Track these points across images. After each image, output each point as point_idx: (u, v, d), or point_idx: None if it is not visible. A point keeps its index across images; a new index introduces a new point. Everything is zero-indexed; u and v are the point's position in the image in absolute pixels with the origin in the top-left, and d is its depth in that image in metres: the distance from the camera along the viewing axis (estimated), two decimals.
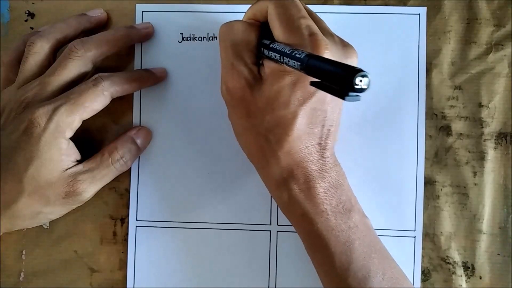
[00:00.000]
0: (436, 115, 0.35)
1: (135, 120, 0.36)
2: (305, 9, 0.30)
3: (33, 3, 0.37)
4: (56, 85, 0.31)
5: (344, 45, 0.30)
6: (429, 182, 0.35)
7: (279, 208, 0.32)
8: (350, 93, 0.22)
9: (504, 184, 0.35)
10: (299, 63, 0.25)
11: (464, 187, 0.35)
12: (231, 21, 0.30)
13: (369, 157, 0.35)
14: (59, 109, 0.30)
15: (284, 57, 0.27)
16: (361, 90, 0.22)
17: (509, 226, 0.35)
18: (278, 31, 0.29)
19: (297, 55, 0.25)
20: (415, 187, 0.35)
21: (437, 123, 0.35)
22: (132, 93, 0.36)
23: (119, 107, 0.35)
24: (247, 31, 0.30)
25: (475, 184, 0.35)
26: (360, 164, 0.35)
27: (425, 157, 0.35)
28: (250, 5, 0.31)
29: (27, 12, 0.37)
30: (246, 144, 0.32)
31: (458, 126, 0.35)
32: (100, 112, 0.32)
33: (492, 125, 0.35)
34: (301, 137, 0.29)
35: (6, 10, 0.37)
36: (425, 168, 0.35)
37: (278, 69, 0.28)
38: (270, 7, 0.29)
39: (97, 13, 0.35)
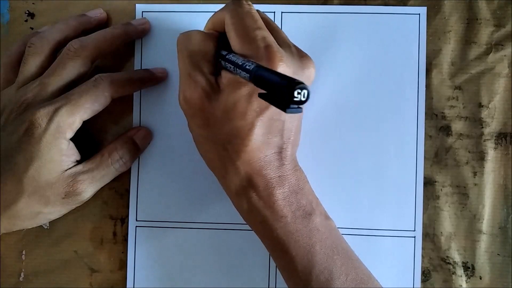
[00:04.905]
0: (436, 115, 0.35)
1: (135, 120, 0.36)
2: (263, 18, 0.30)
3: (33, 3, 0.37)
4: (56, 85, 0.31)
5: (302, 55, 0.30)
6: (429, 182, 0.35)
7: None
8: (291, 105, 0.22)
9: (504, 184, 0.35)
10: (248, 75, 0.25)
11: (464, 187, 0.35)
12: (188, 31, 0.30)
13: (369, 157, 0.35)
14: (60, 110, 0.30)
15: (237, 68, 0.27)
16: (300, 102, 0.22)
17: (509, 226, 0.35)
18: (234, 41, 0.29)
19: (247, 67, 0.26)
20: (415, 187, 0.35)
21: (437, 123, 0.35)
22: (132, 94, 0.36)
23: (119, 107, 0.35)
24: (204, 41, 0.30)
25: (475, 184, 0.35)
26: (359, 164, 0.35)
27: (425, 157, 0.35)
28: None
29: (27, 12, 0.37)
30: (206, 154, 0.31)
31: (458, 126, 0.35)
32: (100, 112, 0.32)
33: (492, 125, 0.35)
34: (259, 147, 0.29)
35: (6, 10, 0.37)
36: (425, 168, 0.35)
37: (234, 79, 0.28)
38: (226, 18, 0.29)
39: (97, 13, 0.35)
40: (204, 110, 0.29)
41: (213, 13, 0.31)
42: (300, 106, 0.22)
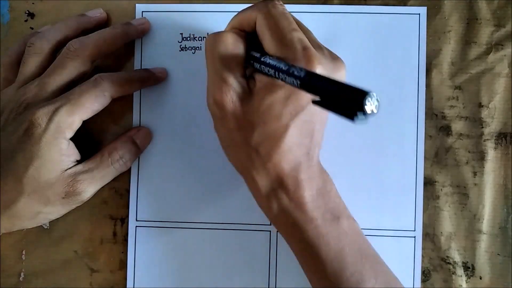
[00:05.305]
0: (436, 115, 0.35)
1: (135, 120, 0.36)
2: (294, 19, 0.30)
3: (33, 3, 0.37)
4: (56, 85, 0.31)
5: (333, 58, 0.29)
6: (429, 182, 0.35)
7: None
8: (360, 115, 0.21)
9: (504, 184, 0.35)
10: (298, 81, 0.25)
11: (464, 187, 0.35)
12: (219, 32, 0.29)
13: (369, 157, 0.35)
14: (60, 109, 0.30)
15: (280, 73, 0.26)
16: (371, 112, 0.21)
17: (509, 226, 0.35)
18: (269, 43, 0.28)
19: (295, 73, 0.25)
20: (415, 187, 0.35)
21: (437, 123, 0.35)
22: (132, 93, 0.36)
23: (119, 107, 0.35)
24: (236, 43, 0.29)
25: (475, 184, 0.35)
26: (360, 164, 0.35)
27: (425, 157, 0.35)
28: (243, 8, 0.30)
29: (27, 12, 0.37)
30: (235, 157, 0.31)
31: (458, 126, 0.35)
32: (100, 112, 0.32)
33: (492, 125, 0.35)
34: (292, 149, 0.28)
35: (6, 10, 0.37)
36: (425, 168, 0.35)
37: (270, 82, 0.28)
38: (259, 18, 0.28)
39: (97, 13, 0.35)
40: (236, 114, 0.29)
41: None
42: (368, 116, 0.21)
